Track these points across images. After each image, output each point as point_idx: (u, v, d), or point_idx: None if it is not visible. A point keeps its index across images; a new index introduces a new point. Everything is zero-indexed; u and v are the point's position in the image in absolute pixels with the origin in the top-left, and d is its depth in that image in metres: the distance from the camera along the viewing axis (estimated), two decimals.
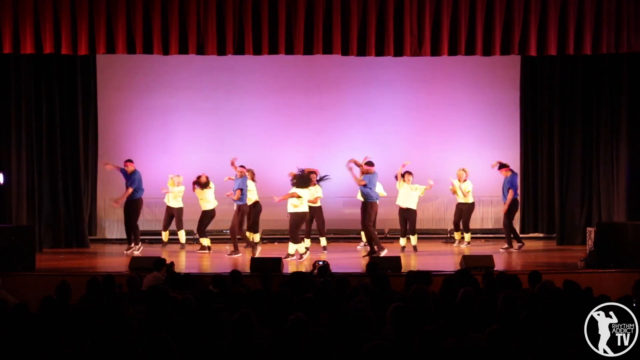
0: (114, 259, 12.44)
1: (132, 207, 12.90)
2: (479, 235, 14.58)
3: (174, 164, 14.50)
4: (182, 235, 13.75)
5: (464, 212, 13.57)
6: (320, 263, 10.18)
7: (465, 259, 10.91)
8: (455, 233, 13.88)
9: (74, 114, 14.03)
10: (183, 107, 15.00)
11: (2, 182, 12.56)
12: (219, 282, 8.12)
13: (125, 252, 12.72)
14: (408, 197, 13.20)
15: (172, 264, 9.46)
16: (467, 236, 13.68)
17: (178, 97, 14.96)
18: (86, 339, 5.28)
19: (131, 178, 12.83)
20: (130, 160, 13.02)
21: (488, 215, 15.04)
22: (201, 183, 13.15)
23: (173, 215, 13.65)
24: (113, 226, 14.85)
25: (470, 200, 13.55)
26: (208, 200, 13.22)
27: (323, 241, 13.23)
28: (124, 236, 13.31)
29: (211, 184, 13.22)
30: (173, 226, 13.78)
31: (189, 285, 8.03)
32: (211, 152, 14.68)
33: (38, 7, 11.19)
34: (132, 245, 12.88)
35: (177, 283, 7.98)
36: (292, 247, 11.96)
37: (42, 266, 11.17)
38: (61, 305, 6.43)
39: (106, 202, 14.65)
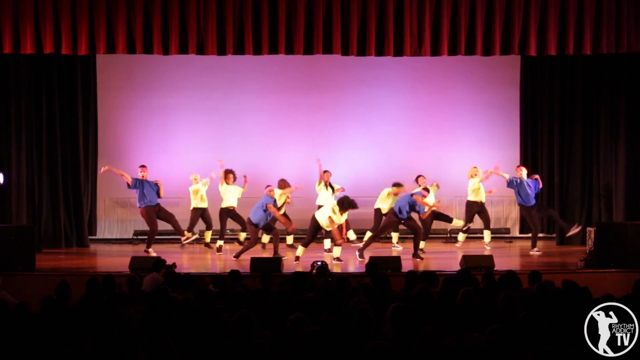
0: (114, 259, 12.43)
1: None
2: (479, 236, 14.57)
3: (173, 164, 14.50)
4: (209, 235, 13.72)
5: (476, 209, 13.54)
6: (319, 263, 10.18)
7: (465, 259, 10.91)
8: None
9: (74, 114, 14.03)
10: (183, 106, 15.01)
11: (2, 182, 12.56)
12: (219, 282, 8.12)
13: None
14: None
15: (173, 265, 9.43)
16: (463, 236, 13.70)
17: (178, 96, 14.96)
18: (86, 339, 5.28)
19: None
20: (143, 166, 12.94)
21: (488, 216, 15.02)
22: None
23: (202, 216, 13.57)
24: (113, 226, 14.86)
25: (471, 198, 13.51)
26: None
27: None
28: (124, 236, 13.34)
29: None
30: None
31: (189, 285, 8.02)
32: (211, 152, 14.65)
33: (38, 7, 11.19)
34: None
35: (177, 283, 7.99)
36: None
37: (42, 266, 11.17)
38: (61, 305, 6.43)
39: (106, 202, 14.66)
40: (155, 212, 12.80)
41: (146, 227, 14.18)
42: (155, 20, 11.28)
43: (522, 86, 14.80)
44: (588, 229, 12.14)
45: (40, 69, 13.44)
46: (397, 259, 10.90)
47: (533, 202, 12.92)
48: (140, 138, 15.01)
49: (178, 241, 13.74)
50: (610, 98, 13.69)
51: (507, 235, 14.95)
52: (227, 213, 13.15)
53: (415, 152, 14.98)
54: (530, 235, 13.88)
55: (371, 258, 11.10)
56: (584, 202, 14.15)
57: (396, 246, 13.46)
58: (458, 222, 13.36)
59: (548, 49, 11.60)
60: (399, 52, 11.59)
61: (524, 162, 14.74)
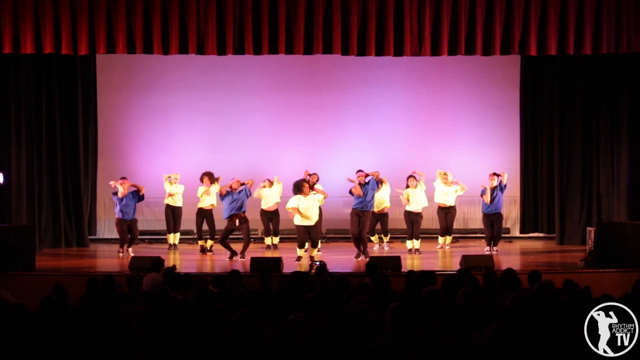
0: (114, 259, 12.44)
1: None
2: (478, 235, 14.58)
3: (173, 164, 14.50)
4: (177, 237, 13.76)
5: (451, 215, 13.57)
6: (317, 263, 10.17)
7: (465, 259, 10.91)
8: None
9: (74, 114, 14.04)
10: (183, 106, 15.01)
11: (2, 182, 12.56)
12: (219, 282, 8.11)
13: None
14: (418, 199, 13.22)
15: (173, 267, 9.38)
16: (449, 239, 13.69)
17: (178, 96, 14.97)
18: (86, 339, 5.28)
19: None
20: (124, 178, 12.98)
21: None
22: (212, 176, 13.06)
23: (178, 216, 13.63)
24: (113, 226, 14.82)
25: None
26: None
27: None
28: None
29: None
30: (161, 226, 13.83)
31: (189, 285, 8.02)
32: (211, 152, 14.70)
33: (38, 7, 11.19)
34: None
35: (177, 283, 7.98)
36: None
37: (42, 266, 11.18)
38: (61, 305, 6.43)
39: (106, 202, 14.66)
40: (125, 224, 12.80)
41: (146, 227, 14.28)
42: (155, 20, 11.28)
43: (522, 86, 14.80)
44: (588, 229, 12.15)
45: (40, 69, 13.44)
46: (397, 259, 10.88)
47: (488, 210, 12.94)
48: (140, 138, 15.01)
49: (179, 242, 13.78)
50: (611, 98, 13.69)
51: (507, 235, 14.94)
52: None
53: (416, 152, 14.97)
54: (529, 235, 13.95)
55: (371, 258, 11.10)
56: (584, 202, 14.14)
57: (381, 245, 13.50)
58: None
59: (548, 49, 11.59)
60: (399, 52, 11.58)
61: (524, 162, 14.76)
